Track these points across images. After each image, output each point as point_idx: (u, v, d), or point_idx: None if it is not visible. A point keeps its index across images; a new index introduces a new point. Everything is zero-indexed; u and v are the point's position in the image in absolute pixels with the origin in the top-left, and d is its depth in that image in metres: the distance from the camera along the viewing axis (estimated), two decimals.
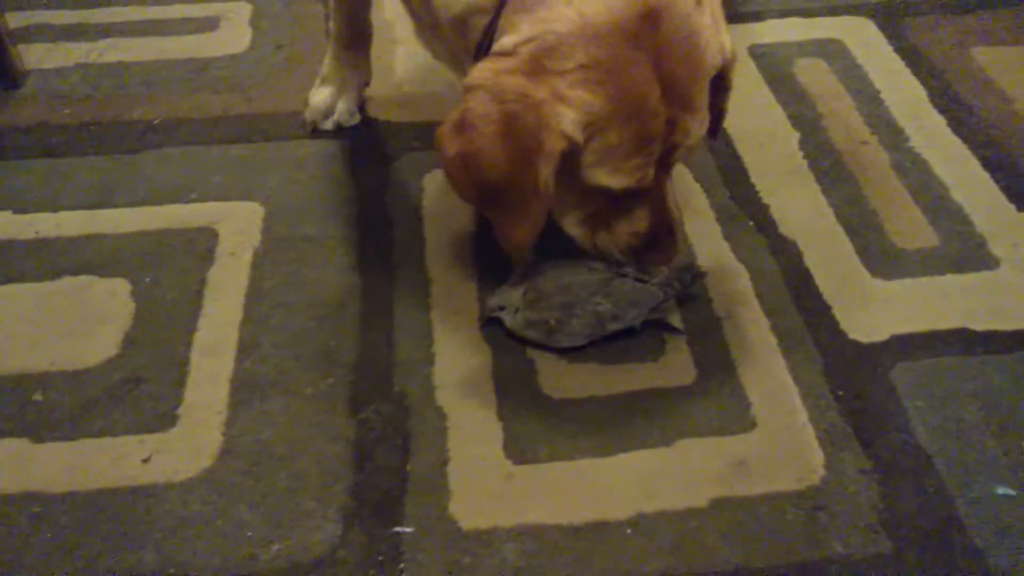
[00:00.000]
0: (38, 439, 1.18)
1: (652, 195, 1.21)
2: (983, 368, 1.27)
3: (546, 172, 1.10)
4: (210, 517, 1.11)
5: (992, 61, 1.80)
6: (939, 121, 1.68)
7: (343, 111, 1.67)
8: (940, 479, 1.14)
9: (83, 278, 1.40)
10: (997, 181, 1.56)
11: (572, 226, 1.27)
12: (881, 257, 1.43)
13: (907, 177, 1.57)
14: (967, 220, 1.49)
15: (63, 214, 1.50)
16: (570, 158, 1.12)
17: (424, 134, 1.66)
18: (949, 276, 1.40)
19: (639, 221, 1.24)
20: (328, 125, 1.67)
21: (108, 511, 1.11)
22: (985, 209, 1.51)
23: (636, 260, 1.28)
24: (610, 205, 1.23)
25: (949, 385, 1.25)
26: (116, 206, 1.52)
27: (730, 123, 1.66)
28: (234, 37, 1.90)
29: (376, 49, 1.85)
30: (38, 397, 1.23)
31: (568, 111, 1.08)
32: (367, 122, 1.69)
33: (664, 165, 1.19)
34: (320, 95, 1.67)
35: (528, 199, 1.13)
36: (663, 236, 1.25)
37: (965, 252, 1.44)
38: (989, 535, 1.09)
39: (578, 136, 1.10)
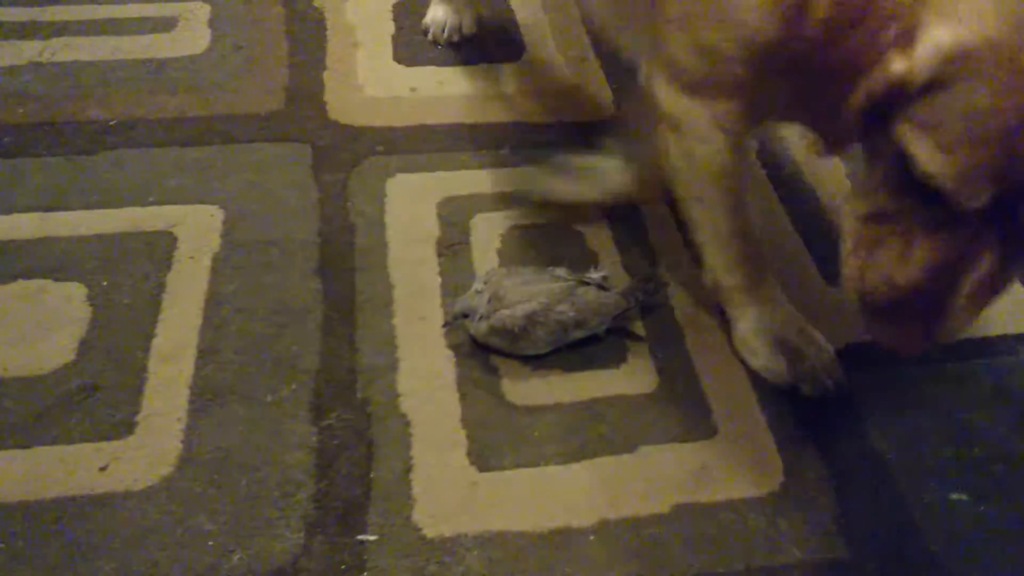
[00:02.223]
0: None
1: (971, 241, 0.80)
2: (937, 377, 1.30)
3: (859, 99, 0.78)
4: (170, 526, 1.09)
5: None
6: None
7: (466, 24, 1.86)
8: (895, 485, 1.17)
9: (37, 282, 1.37)
10: None
11: (849, 217, 0.93)
12: (836, 266, 1.45)
13: None
14: None
15: (16, 216, 1.47)
16: (897, 98, 0.77)
17: (387, 138, 1.65)
18: None
19: (932, 261, 0.82)
20: (453, 37, 1.85)
21: (65, 521, 1.09)
22: None
23: (891, 316, 0.89)
24: (911, 216, 0.84)
25: (904, 393, 1.27)
26: (71, 208, 1.49)
27: None
28: (192, 37, 1.88)
29: (337, 53, 1.85)
30: None
31: (938, 27, 0.73)
32: (329, 125, 1.68)
33: (1012, 219, 0.76)
34: (439, 11, 1.86)
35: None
36: (955, 299, 0.82)
37: None
38: (943, 540, 1.12)
39: (925, 69, 0.74)
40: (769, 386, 1.27)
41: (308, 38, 1.88)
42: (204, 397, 1.23)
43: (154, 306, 1.34)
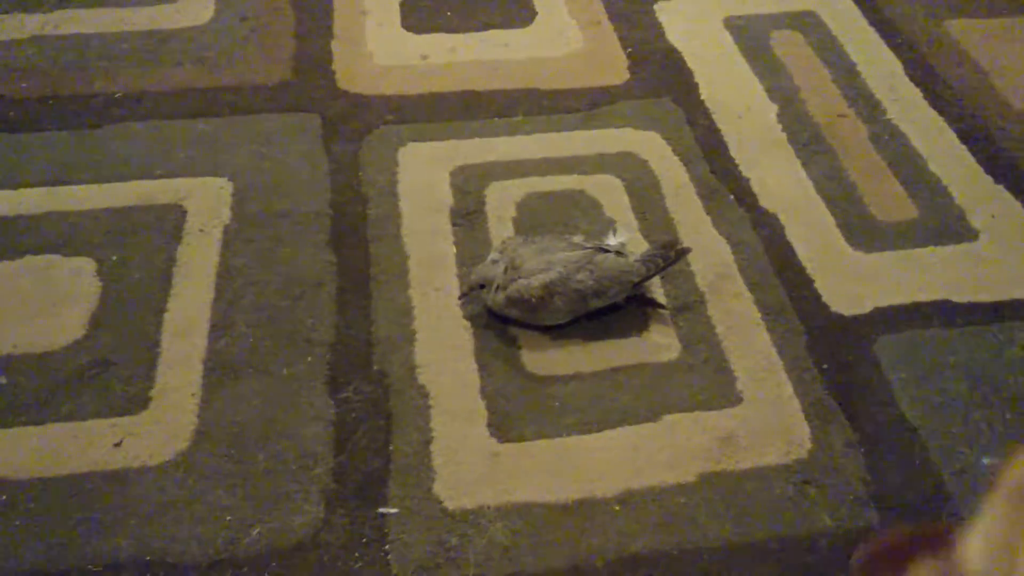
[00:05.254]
0: (4, 424, 1.14)
1: None
2: (965, 339, 1.27)
3: None
4: (187, 501, 1.07)
5: (966, 33, 1.80)
6: (915, 93, 1.67)
7: None
8: (925, 450, 1.14)
9: (46, 257, 1.34)
10: (974, 153, 1.55)
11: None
12: (861, 230, 1.42)
13: (885, 150, 1.56)
14: (945, 192, 1.49)
15: (23, 191, 1.44)
16: None
17: (398, 107, 1.62)
18: (929, 248, 1.40)
19: None
20: None
21: (80, 497, 1.07)
22: (963, 181, 1.50)
23: None
24: None
25: (932, 357, 1.24)
26: (79, 182, 1.46)
27: (708, 95, 1.66)
28: (196, 8, 1.84)
29: (345, 21, 1.82)
30: (2, 381, 1.18)
31: None
32: (338, 94, 1.64)
33: None
34: None
35: None
36: None
37: (944, 224, 1.44)
38: (975, 505, 1.09)
39: None
40: (794, 351, 1.24)
41: (315, 6, 1.85)
42: (218, 371, 1.21)
43: (165, 280, 1.32)
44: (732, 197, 1.47)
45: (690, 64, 1.72)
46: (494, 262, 1.28)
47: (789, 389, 1.20)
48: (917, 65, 1.73)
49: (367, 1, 1.86)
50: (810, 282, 1.34)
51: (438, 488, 1.09)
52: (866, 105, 1.65)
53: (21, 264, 1.33)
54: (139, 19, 1.80)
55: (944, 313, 1.30)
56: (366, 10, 1.84)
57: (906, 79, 1.70)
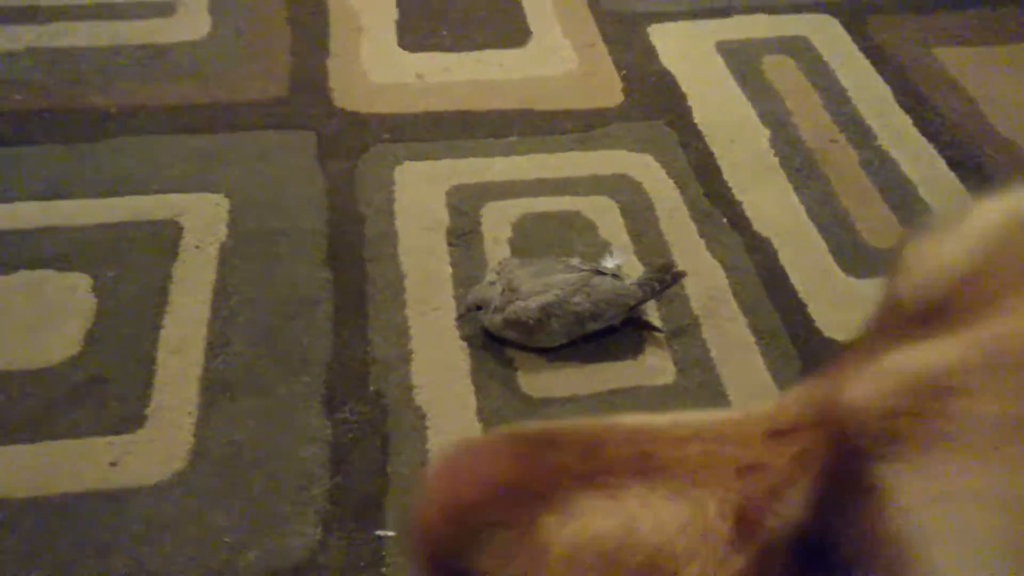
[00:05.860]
0: None
1: None
2: None
3: None
4: (183, 522, 1.07)
5: (955, 61, 1.83)
6: (905, 120, 1.69)
7: None
8: None
9: (40, 272, 1.34)
10: (963, 180, 1.58)
11: None
12: (853, 255, 1.44)
13: (876, 176, 1.58)
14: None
15: (17, 205, 1.44)
16: None
17: (393, 125, 1.62)
18: None
19: None
20: None
21: (75, 517, 1.06)
22: (952, 208, 1.52)
23: None
24: None
25: None
26: (73, 197, 1.46)
27: (701, 119, 1.67)
28: (192, 23, 1.84)
29: (341, 39, 1.82)
30: None
31: None
32: (334, 112, 1.65)
33: None
34: None
35: None
36: None
37: None
38: None
39: None
40: (788, 376, 1.26)
41: (310, 23, 1.85)
42: (215, 390, 1.21)
43: (161, 297, 1.32)
44: (726, 221, 1.48)
45: (683, 87, 1.74)
46: (491, 284, 1.29)
47: None
48: (907, 92, 1.76)
49: (363, 18, 1.87)
50: (803, 307, 1.35)
51: None
52: (857, 131, 1.67)
53: (15, 279, 1.33)
54: (134, 33, 1.80)
55: None
56: (362, 27, 1.85)
57: (896, 106, 1.72)
